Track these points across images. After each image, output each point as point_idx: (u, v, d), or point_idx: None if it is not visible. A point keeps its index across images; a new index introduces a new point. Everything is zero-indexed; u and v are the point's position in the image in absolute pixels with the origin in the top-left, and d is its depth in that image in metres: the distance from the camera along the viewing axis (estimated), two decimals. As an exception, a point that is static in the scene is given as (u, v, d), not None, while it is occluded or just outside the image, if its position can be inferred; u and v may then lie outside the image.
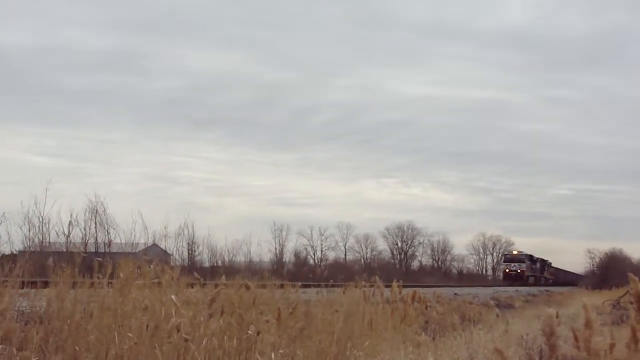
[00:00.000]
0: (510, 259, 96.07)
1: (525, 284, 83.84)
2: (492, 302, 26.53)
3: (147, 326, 7.23)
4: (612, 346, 4.50)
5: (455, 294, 30.40)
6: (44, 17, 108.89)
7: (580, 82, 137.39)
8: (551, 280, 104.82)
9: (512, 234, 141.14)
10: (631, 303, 4.34)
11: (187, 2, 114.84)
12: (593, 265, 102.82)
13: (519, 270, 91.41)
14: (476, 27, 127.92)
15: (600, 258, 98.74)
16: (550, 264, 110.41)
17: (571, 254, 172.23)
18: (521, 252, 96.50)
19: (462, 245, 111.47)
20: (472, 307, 22.62)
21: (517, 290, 48.15)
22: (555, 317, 3.75)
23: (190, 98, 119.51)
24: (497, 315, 19.46)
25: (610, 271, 78.50)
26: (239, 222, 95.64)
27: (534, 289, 58.98)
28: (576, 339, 4.90)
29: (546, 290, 58.20)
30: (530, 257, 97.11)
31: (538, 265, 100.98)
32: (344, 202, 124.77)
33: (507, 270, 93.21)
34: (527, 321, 18.19)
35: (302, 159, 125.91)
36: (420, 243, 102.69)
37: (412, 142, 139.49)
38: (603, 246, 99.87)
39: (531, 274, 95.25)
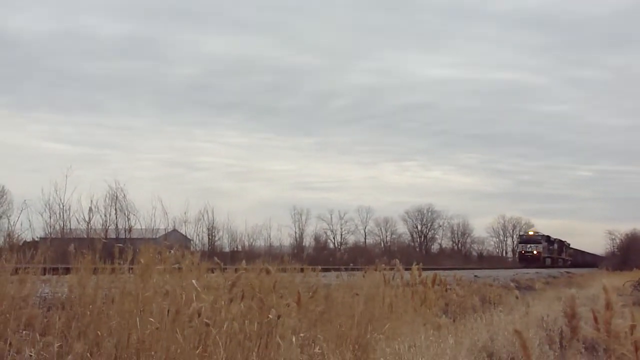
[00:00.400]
0: (526, 240, 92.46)
1: (542, 266, 80.00)
2: (512, 284, 26.48)
3: (168, 311, 7.26)
4: (632, 327, 4.49)
5: (475, 276, 30.34)
6: (62, 3, 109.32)
7: (603, 62, 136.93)
8: (569, 262, 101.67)
9: (532, 216, 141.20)
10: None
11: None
12: (614, 246, 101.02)
13: (535, 252, 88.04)
14: (497, 8, 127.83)
15: (621, 239, 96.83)
16: (569, 245, 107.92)
17: (592, 236, 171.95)
18: (537, 232, 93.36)
19: (482, 228, 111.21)
20: (492, 290, 22.58)
21: (537, 272, 47.99)
22: (576, 299, 3.74)
23: (210, 83, 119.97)
24: (517, 297, 19.42)
25: (631, 252, 77.94)
26: (259, 207, 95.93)
27: (554, 271, 58.53)
28: (596, 320, 4.89)
29: (566, 272, 57.85)
30: (548, 238, 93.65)
31: (556, 246, 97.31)
32: (364, 186, 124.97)
33: (523, 252, 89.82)
34: (547, 303, 18.14)
35: (322, 143, 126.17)
36: (440, 226, 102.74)
37: (432, 125, 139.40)
38: (624, 228, 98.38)
39: (548, 255, 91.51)
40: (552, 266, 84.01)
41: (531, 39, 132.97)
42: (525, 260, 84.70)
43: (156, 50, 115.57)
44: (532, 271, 51.91)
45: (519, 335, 5.43)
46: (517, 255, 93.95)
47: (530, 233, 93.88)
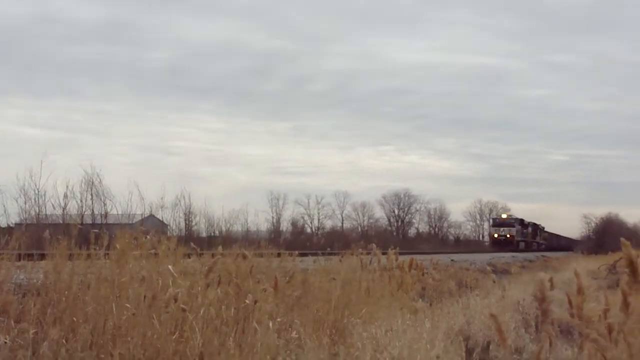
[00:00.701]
0: (499, 223, 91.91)
1: (516, 249, 78.75)
2: (488, 268, 26.62)
3: (144, 297, 7.24)
4: (605, 311, 4.52)
5: (452, 260, 30.53)
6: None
7: (580, 47, 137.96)
8: (544, 246, 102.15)
9: (509, 200, 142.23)
10: (626, 268, 4.37)
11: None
12: (589, 230, 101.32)
13: (508, 236, 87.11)
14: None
15: (596, 223, 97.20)
16: (544, 228, 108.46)
17: (568, 220, 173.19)
18: (511, 215, 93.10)
19: (459, 212, 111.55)
20: (468, 274, 22.72)
21: (513, 256, 48.39)
22: (547, 283, 3.76)
23: (185, 68, 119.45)
24: (494, 281, 19.56)
25: (606, 236, 78.47)
26: (236, 192, 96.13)
27: (530, 255, 59.76)
28: (570, 304, 4.93)
29: (542, 256, 58.38)
30: (521, 221, 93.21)
31: (530, 229, 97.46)
32: (341, 171, 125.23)
33: (496, 236, 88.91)
34: (523, 287, 18.28)
35: (298, 127, 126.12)
36: (417, 210, 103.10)
37: (409, 110, 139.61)
38: (599, 211, 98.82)
39: (522, 239, 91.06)
40: (526, 250, 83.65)
41: (508, 24, 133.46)
42: (499, 244, 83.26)
43: (132, 34, 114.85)
44: (507, 255, 52.20)
45: (495, 319, 5.47)
46: (490, 239, 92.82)
47: (504, 216, 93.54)
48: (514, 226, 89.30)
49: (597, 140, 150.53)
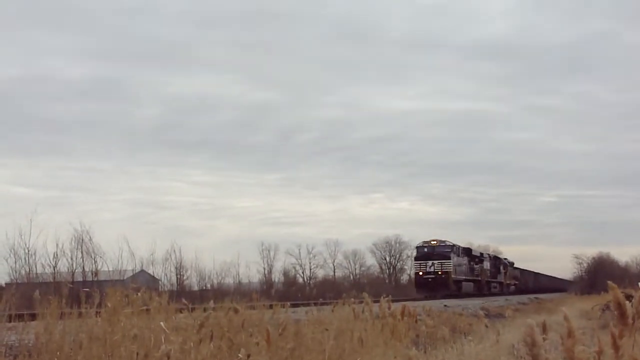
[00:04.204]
0: (423, 254, 59.52)
1: (455, 293, 54.86)
2: (481, 313, 26.53)
3: (137, 354, 7.21)
4: (598, 353, 4.55)
5: (445, 306, 30.43)
6: (24, 46, 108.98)
7: (563, 90, 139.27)
8: (513, 287, 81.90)
9: (500, 243, 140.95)
10: (614, 310, 4.41)
11: (167, 27, 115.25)
12: (581, 270, 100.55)
13: (440, 272, 57.01)
14: (457, 39, 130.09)
15: (588, 263, 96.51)
16: (512, 264, 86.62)
17: (559, 260, 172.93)
18: (444, 241, 60.07)
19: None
20: (462, 319, 22.64)
21: (507, 299, 48.13)
22: (536, 327, 3.78)
23: (175, 123, 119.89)
24: (487, 326, 19.47)
25: (598, 275, 78.36)
26: (227, 244, 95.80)
27: (524, 297, 57.56)
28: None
29: (535, 298, 57.77)
30: (465, 250, 64.57)
31: (485, 264, 70.07)
32: (332, 219, 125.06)
33: (420, 273, 58.47)
34: (517, 330, 18.22)
35: (288, 178, 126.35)
36: (409, 256, 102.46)
37: (398, 157, 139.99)
38: (591, 251, 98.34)
39: (468, 277, 62.73)
40: (478, 294, 60.87)
41: (493, 69, 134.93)
42: (424, 286, 56.44)
43: (120, 91, 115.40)
44: (501, 298, 50.69)
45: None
46: (414, 279, 61.77)
47: (433, 242, 59.82)
48: (449, 258, 58.14)
49: (586, 181, 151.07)
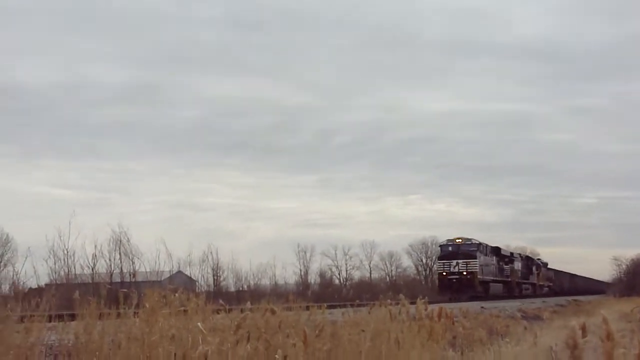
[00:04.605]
0: (448, 253, 55.63)
1: (482, 295, 51.31)
2: (519, 315, 26.37)
3: (175, 355, 7.25)
4: (639, 356, 4.50)
5: (482, 307, 30.24)
6: (65, 53, 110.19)
7: (603, 90, 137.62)
8: (547, 288, 78.34)
9: (537, 244, 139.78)
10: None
11: (203, 31, 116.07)
12: (620, 272, 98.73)
13: (465, 273, 53.14)
14: (495, 40, 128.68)
15: (627, 265, 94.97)
16: (546, 264, 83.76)
17: (598, 262, 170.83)
18: (469, 239, 55.73)
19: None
20: (499, 321, 22.48)
21: (544, 301, 47.65)
22: (578, 329, 3.76)
23: (212, 125, 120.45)
24: (525, 328, 19.33)
25: (637, 277, 77.28)
26: (263, 245, 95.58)
27: (561, 299, 56.06)
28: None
29: (574, 300, 57.00)
30: (494, 250, 60.34)
31: (517, 265, 66.69)
32: (368, 221, 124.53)
33: (444, 274, 54.94)
34: (555, 332, 18.05)
35: (325, 180, 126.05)
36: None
37: (435, 159, 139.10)
38: (630, 253, 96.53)
39: (497, 277, 59.11)
40: (506, 296, 56.99)
41: (531, 70, 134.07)
42: (448, 288, 52.92)
43: (159, 95, 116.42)
44: (538, 300, 50.00)
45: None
46: (438, 280, 58.30)
47: (458, 240, 55.57)
48: (474, 257, 54.04)
49: (625, 182, 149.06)
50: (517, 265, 66.46)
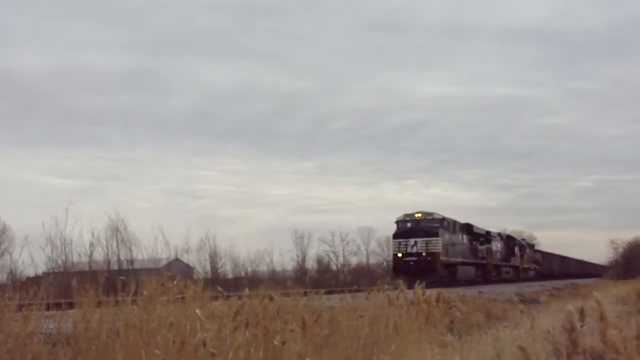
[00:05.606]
0: (405, 231, 46.19)
1: (445, 280, 41.82)
2: (516, 298, 26.41)
3: (173, 342, 7.26)
4: (637, 337, 4.52)
5: (479, 292, 30.32)
6: (60, 39, 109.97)
7: (602, 73, 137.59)
8: (533, 272, 70.35)
9: (535, 228, 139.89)
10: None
11: (200, 17, 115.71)
12: (617, 255, 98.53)
13: (424, 254, 44.32)
14: (494, 24, 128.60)
15: (624, 248, 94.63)
16: (533, 246, 75.68)
17: (596, 246, 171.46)
18: (431, 213, 47.17)
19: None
20: (496, 305, 22.55)
21: (541, 285, 47.68)
22: (574, 313, 3.77)
23: (209, 112, 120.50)
24: (522, 312, 19.38)
25: (634, 260, 77.28)
26: (260, 232, 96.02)
27: (559, 282, 54.11)
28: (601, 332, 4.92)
29: (571, 283, 56.87)
30: (466, 227, 51.08)
31: (496, 245, 58.03)
32: (366, 206, 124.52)
33: (399, 255, 45.58)
34: (553, 315, 18.09)
35: (322, 166, 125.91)
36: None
37: (432, 143, 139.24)
38: (627, 236, 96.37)
39: (468, 259, 50.18)
40: (479, 281, 48.82)
41: (531, 53, 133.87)
42: (404, 271, 40.65)
43: (155, 81, 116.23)
44: (535, 284, 49.51)
45: (523, 350, 5.46)
46: (392, 262, 47.75)
47: (417, 214, 46.72)
48: (436, 234, 45.34)
49: (623, 165, 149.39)
50: (496, 245, 58.14)
